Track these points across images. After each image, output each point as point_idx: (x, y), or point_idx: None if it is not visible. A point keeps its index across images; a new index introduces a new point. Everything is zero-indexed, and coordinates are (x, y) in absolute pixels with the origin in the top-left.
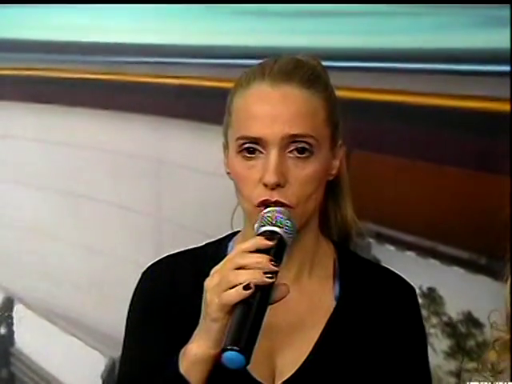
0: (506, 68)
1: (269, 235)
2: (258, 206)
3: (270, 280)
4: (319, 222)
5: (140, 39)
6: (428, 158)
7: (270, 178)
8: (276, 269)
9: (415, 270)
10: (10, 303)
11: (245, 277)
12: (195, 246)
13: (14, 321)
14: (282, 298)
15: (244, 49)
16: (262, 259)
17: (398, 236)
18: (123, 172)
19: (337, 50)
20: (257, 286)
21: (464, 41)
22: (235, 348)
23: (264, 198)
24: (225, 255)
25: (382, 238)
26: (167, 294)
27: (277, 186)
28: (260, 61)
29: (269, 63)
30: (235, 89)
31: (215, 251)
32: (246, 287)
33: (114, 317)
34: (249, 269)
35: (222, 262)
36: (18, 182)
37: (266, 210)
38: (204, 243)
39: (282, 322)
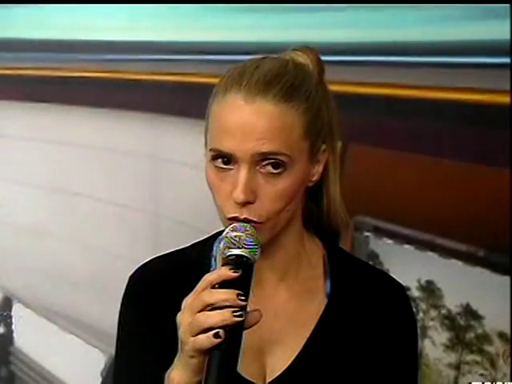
0: (506, 60)
1: (235, 260)
2: (229, 220)
3: (239, 318)
4: (305, 220)
5: (135, 37)
6: (426, 151)
7: (239, 196)
8: (244, 303)
9: (413, 263)
10: (8, 302)
11: (214, 319)
12: (185, 245)
13: (13, 320)
14: (256, 324)
15: (239, 45)
16: (229, 296)
17: (396, 229)
18: (120, 169)
19: (334, 44)
20: (227, 326)
21: (463, 33)
22: None
23: (233, 215)
24: (210, 257)
25: (379, 232)
26: (154, 302)
27: (246, 203)
28: (255, 56)
29: (249, 69)
30: (215, 92)
31: (201, 253)
32: (216, 335)
33: (113, 314)
34: (217, 307)
35: (191, 295)
36: (14, 181)
37: (229, 228)
38: (190, 244)
39: (272, 321)
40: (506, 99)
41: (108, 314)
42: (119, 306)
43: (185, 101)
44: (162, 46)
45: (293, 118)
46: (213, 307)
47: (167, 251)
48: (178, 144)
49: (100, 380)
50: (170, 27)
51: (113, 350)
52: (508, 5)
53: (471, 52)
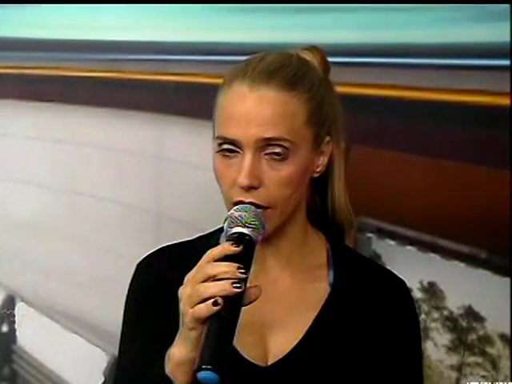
0: (506, 62)
1: (237, 237)
2: (235, 204)
3: (239, 290)
4: (310, 214)
5: (139, 37)
6: (428, 153)
7: (243, 181)
8: (244, 276)
9: (416, 265)
10: (11, 301)
11: (214, 289)
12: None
13: (16, 319)
14: (255, 300)
15: (243, 45)
16: (230, 268)
17: (399, 231)
18: (123, 169)
19: (336, 46)
20: (226, 297)
21: (464, 35)
22: (208, 367)
23: (238, 199)
24: (215, 246)
25: (382, 233)
26: (159, 286)
27: (251, 188)
28: None
29: (254, 61)
30: (221, 86)
31: (206, 243)
32: (215, 303)
33: (116, 314)
34: (218, 279)
35: (194, 269)
36: (18, 180)
37: (234, 209)
38: (197, 236)
39: (275, 306)
40: (506, 101)
41: (111, 314)
42: (122, 305)
43: (188, 101)
44: (166, 46)
45: (295, 105)
46: (213, 279)
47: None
48: (181, 144)
49: (102, 379)
50: (174, 27)
51: (115, 350)
52: (508, 7)
53: (472, 54)
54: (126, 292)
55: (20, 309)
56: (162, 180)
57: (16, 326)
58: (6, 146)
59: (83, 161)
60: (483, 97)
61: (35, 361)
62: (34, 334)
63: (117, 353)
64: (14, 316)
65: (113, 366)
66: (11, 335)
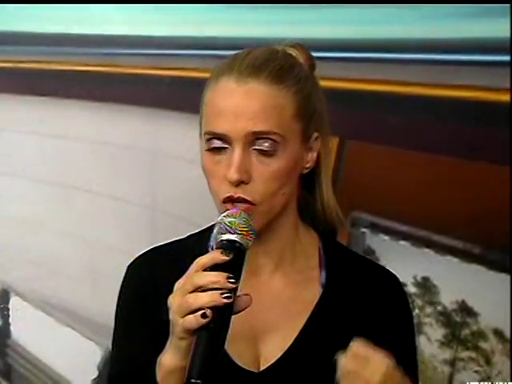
0: (506, 58)
1: (227, 245)
2: (224, 202)
3: (228, 300)
4: (301, 212)
5: (134, 31)
6: (424, 148)
7: (232, 176)
8: (234, 286)
9: (409, 260)
10: (6, 295)
11: (203, 300)
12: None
13: (11, 312)
14: (246, 308)
15: (238, 40)
16: (219, 278)
17: (393, 226)
18: (118, 163)
19: (332, 41)
20: (216, 308)
21: (463, 30)
22: (198, 382)
23: (228, 195)
24: (206, 246)
25: (376, 228)
26: (150, 288)
27: (240, 183)
28: None
29: (241, 56)
30: (208, 81)
31: (198, 242)
32: (204, 315)
33: (110, 307)
34: (207, 289)
35: (183, 278)
36: (12, 174)
37: (223, 215)
38: (187, 234)
39: (267, 309)
40: (506, 97)
41: (105, 307)
42: (116, 299)
43: (184, 95)
44: (161, 41)
45: (284, 98)
46: (203, 289)
47: (164, 242)
48: (176, 138)
49: (96, 373)
50: (169, 21)
51: (109, 343)
52: (508, 4)
53: (471, 50)
54: (119, 286)
55: (14, 303)
56: (157, 174)
57: (10, 320)
58: (0, 139)
59: (78, 155)
60: (483, 93)
61: (29, 355)
62: (28, 328)
63: (110, 346)
64: (7, 310)
65: (107, 360)
66: (5, 329)
